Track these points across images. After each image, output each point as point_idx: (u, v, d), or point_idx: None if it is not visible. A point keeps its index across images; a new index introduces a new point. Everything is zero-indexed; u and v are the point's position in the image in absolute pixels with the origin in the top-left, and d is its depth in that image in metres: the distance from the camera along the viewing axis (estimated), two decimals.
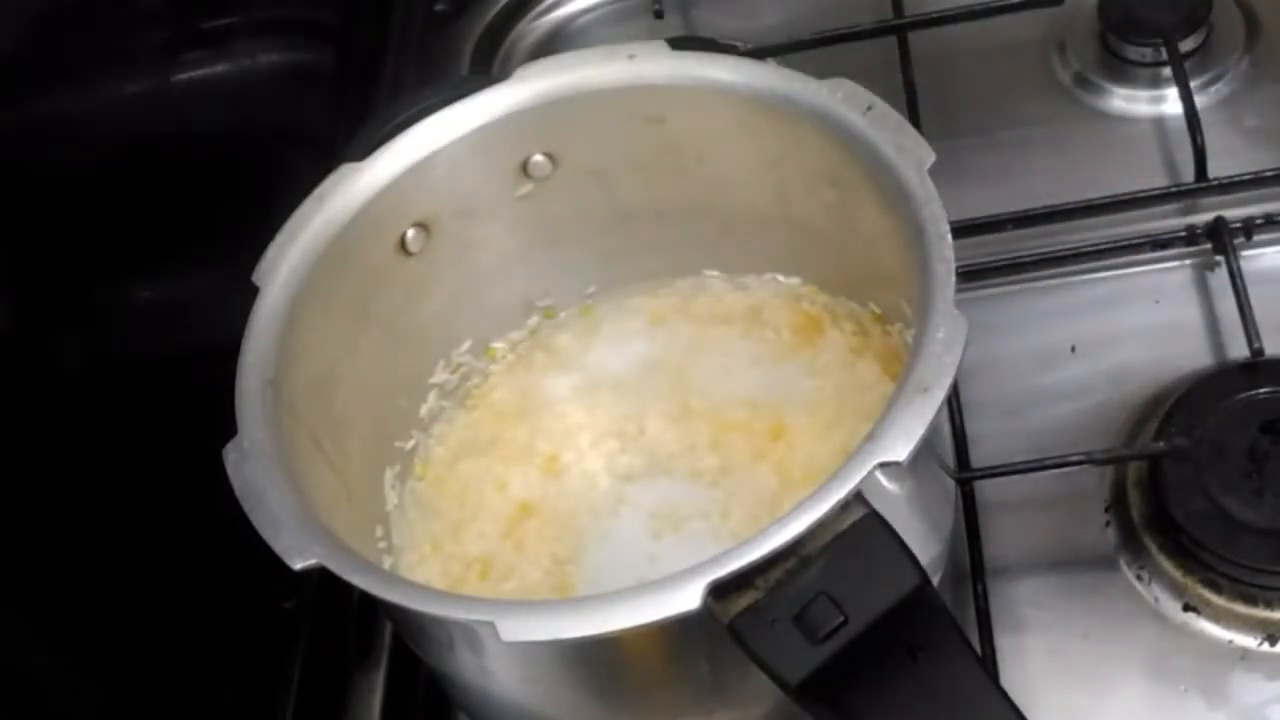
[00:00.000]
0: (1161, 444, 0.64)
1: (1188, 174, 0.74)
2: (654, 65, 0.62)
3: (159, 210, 0.66)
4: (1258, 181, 0.73)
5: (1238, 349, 0.68)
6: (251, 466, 0.53)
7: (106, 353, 0.62)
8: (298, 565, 0.50)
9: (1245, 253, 0.71)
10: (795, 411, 0.64)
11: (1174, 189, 0.74)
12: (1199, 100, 0.75)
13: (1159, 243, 0.73)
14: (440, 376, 0.68)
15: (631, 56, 0.62)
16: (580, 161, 0.65)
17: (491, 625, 0.47)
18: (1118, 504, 0.66)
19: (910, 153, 0.56)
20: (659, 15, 0.90)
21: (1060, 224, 0.74)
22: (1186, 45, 0.79)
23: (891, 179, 0.56)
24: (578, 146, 0.64)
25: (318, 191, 0.61)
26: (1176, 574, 0.63)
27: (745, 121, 0.62)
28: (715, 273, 0.69)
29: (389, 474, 0.66)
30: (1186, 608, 0.62)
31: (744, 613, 0.46)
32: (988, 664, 0.61)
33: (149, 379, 0.64)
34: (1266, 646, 0.61)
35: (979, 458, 0.67)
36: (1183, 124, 0.74)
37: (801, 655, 0.46)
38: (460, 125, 0.63)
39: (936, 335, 0.51)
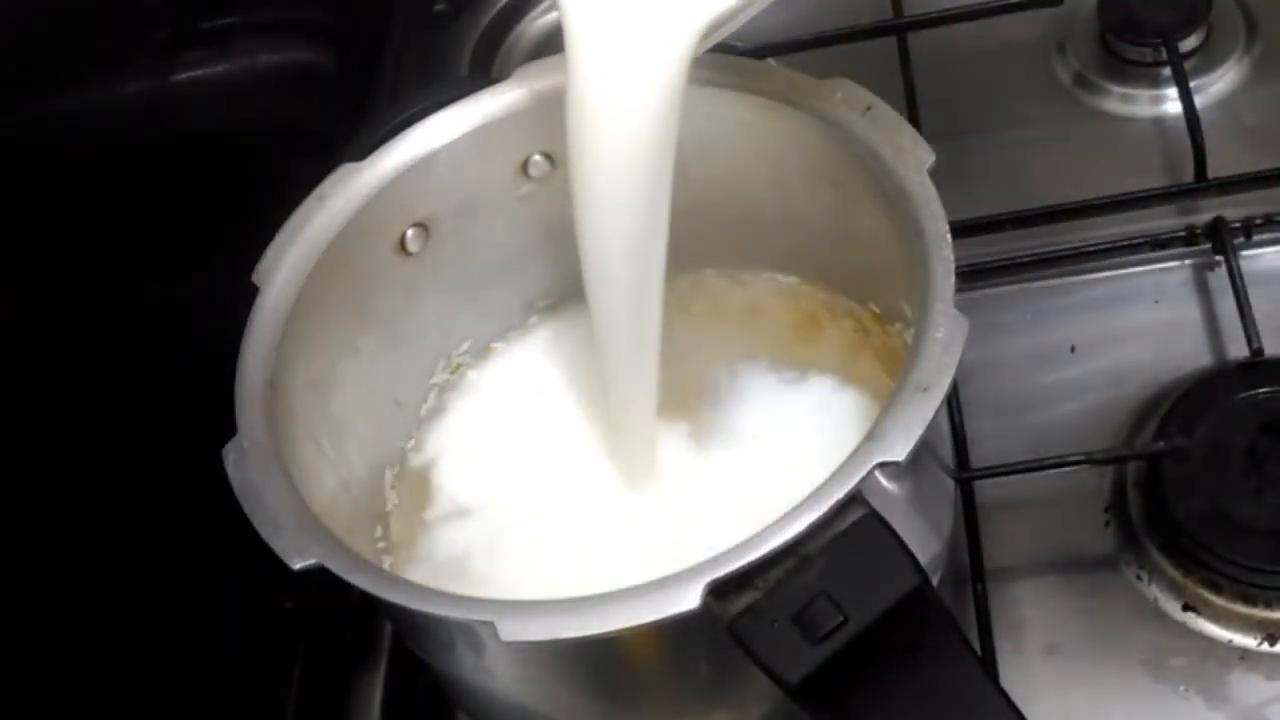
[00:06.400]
0: (1161, 444, 0.64)
1: (1187, 174, 0.74)
2: None
3: (159, 210, 0.67)
4: (1257, 181, 0.73)
5: (1238, 349, 0.68)
6: (251, 466, 0.53)
7: (106, 353, 0.62)
8: (298, 565, 0.50)
9: (1245, 253, 0.71)
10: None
11: (1174, 189, 0.74)
12: (1199, 100, 0.75)
13: (1159, 243, 0.73)
14: (440, 377, 0.68)
15: None
16: None
17: (491, 625, 0.47)
18: (1118, 504, 0.66)
19: (910, 153, 0.56)
20: None
21: (1060, 224, 0.74)
22: (1186, 45, 0.79)
23: (891, 179, 0.56)
24: None
25: (318, 191, 0.61)
26: (1176, 574, 0.63)
27: (745, 121, 0.62)
28: (714, 271, 0.69)
29: (389, 474, 0.66)
30: (1186, 608, 0.62)
31: (744, 613, 0.46)
32: (988, 664, 0.61)
33: (149, 379, 0.64)
34: (1266, 646, 0.61)
35: (979, 458, 0.67)
36: (1182, 124, 0.74)
37: (801, 655, 0.46)
38: (460, 125, 0.63)
39: (936, 335, 0.51)
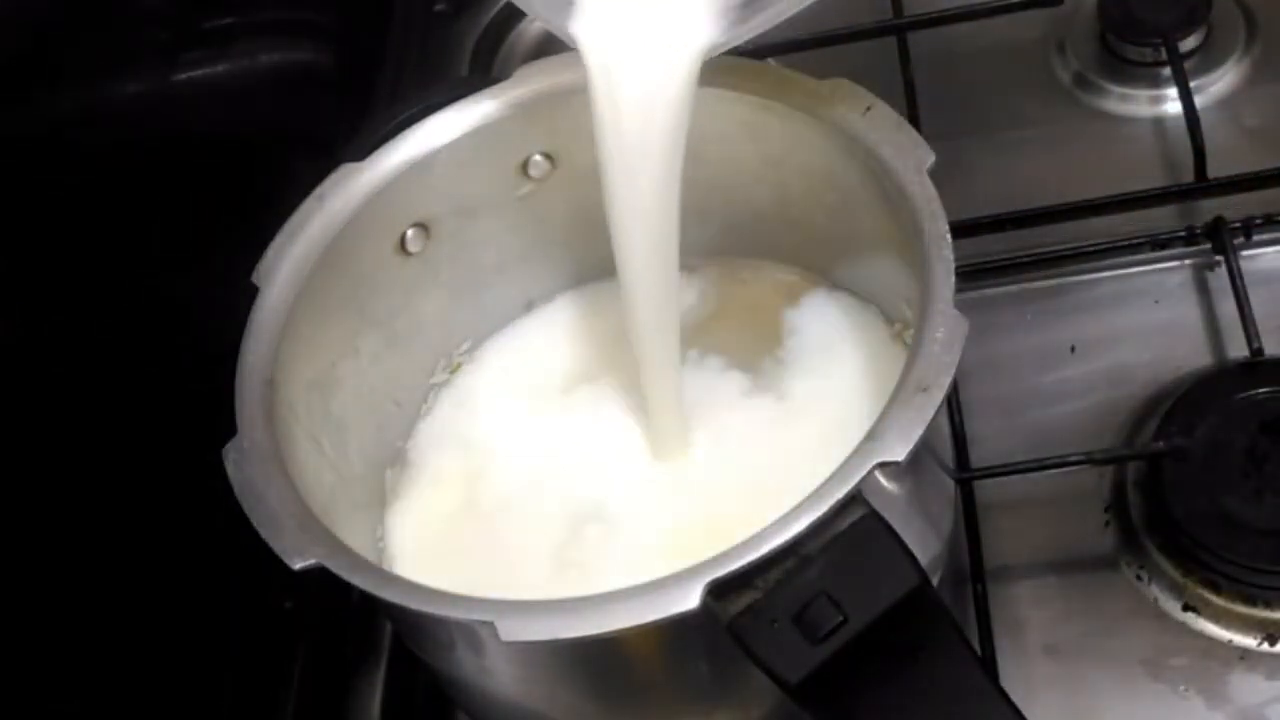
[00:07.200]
0: (1161, 444, 0.65)
1: (1187, 174, 0.74)
2: None
3: (160, 209, 0.67)
4: (1257, 181, 0.73)
5: (1238, 349, 0.68)
6: (251, 466, 0.53)
7: (106, 353, 0.63)
8: (298, 565, 0.50)
9: (1245, 253, 0.71)
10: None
11: (1173, 189, 0.74)
12: (1198, 100, 0.75)
13: (1159, 243, 0.73)
14: (440, 376, 0.68)
15: None
16: (580, 161, 0.64)
17: (491, 625, 0.47)
18: (1118, 504, 0.66)
19: (910, 153, 0.56)
20: None
21: (1060, 224, 0.74)
22: (1186, 45, 0.79)
23: (891, 179, 0.56)
24: (578, 146, 0.64)
25: (318, 191, 0.61)
26: (1176, 574, 0.63)
27: (745, 122, 0.62)
28: (715, 269, 0.69)
29: (389, 474, 0.66)
30: (1186, 607, 0.62)
31: (743, 613, 0.46)
32: (988, 664, 0.61)
33: (149, 379, 0.64)
34: (1266, 646, 0.61)
35: (979, 458, 0.67)
36: (1182, 124, 0.74)
37: (801, 655, 0.45)
38: (460, 125, 0.63)
39: (936, 335, 0.51)
